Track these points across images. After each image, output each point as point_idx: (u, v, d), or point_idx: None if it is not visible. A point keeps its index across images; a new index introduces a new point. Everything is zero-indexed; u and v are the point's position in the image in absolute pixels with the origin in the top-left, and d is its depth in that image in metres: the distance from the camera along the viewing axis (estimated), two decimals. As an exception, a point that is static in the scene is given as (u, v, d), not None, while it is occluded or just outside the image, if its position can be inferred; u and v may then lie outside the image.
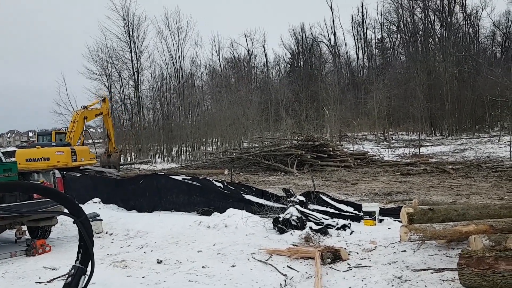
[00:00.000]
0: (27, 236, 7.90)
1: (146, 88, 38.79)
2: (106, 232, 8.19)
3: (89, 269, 1.82)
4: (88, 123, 22.34)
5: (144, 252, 6.60)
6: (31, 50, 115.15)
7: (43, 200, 7.00)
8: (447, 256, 5.33)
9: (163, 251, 6.56)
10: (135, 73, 36.39)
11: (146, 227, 8.16)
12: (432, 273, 4.82)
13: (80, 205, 1.86)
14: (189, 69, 39.91)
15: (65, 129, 24.35)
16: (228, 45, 56.67)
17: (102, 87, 33.55)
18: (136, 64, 36.35)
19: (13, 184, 1.81)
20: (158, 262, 5.96)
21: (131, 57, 36.19)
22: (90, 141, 26.71)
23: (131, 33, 35.97)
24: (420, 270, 4.98)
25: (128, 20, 35.64)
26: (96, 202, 10.79)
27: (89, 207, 9.87)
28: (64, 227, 8.88)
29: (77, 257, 1.82)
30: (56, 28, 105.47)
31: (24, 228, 7.94)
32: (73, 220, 1.79)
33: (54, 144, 17.41)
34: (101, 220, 8.33)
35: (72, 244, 7.53)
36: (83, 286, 1.71)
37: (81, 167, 16.64)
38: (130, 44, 36.04)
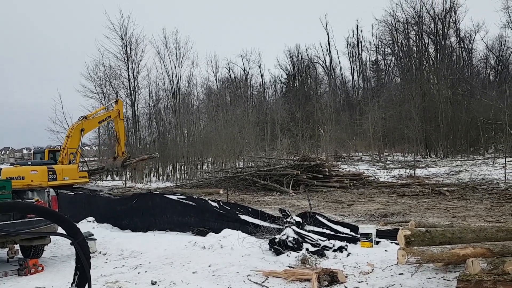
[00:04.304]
0: (20, 255, 7.78)
1: (143, 106, 38.92)
2: (100, 252, 8.08)
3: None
4: (84, 140, 21.87)
5: (138, 273, 6.50)
6: (28, 66, 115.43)
7: (37, 219, 6.91)
8: (445, 280, 5.28)
9: (157, 272, 6.48)
10: (132, 92, 36.51)
11: (141, 247, 8.06)
12: (430, 296, 4.78)
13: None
14: (185, 88, 40.14)
15: (60, 147, 24.13)
16: (225, 65, 57.13)
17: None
18: (133, 83, 36.52)
19: (10, 204, 1.78)
20: (153, 283, 5.87)
21: (128, 76, 36.39)
22: (85, 159, 26.50)
23: (128, 52, 36.25)
24: (418, 293, 4.93)
25: (126, 40, 35.96)
26: (90, 221, 10.69)
27: (83, 226, 9.75)
28: (57, 246, 8.77)
29: (74, 279, 1.79)
30: (53, 45, 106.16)
31: (17, 247, 7.83)
32: (70, 241, 1.76)
33: (30, 163, 17.16)
34: (95, 239, 8.23)
35: (65, 264, 7.42)
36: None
37: (74, 186, 16.50)
38: (128, 63, 36.29)
